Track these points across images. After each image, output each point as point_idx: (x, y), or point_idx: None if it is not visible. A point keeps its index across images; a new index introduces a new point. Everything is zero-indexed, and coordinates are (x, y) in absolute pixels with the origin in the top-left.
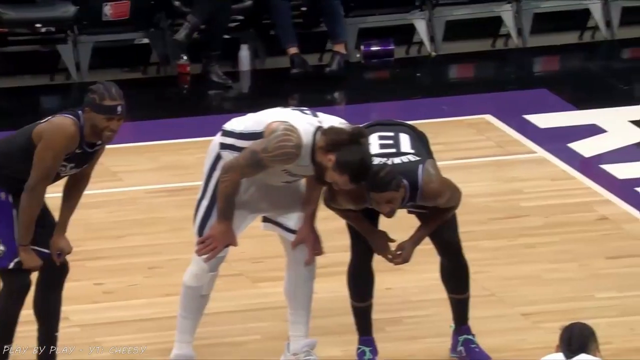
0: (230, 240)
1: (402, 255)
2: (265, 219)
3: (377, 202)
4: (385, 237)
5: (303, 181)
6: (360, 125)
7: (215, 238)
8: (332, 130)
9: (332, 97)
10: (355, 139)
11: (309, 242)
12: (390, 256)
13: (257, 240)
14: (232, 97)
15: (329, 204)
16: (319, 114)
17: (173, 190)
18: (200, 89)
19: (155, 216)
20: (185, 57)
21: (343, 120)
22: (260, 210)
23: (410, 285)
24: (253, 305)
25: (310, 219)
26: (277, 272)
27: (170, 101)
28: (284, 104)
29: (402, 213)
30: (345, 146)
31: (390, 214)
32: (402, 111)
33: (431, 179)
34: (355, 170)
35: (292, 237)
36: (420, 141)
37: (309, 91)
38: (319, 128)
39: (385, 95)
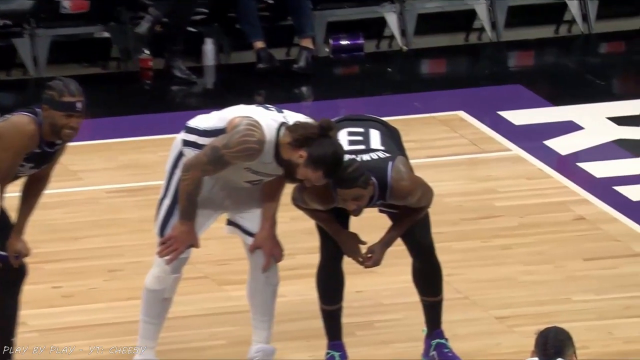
0: (192, 241)
1: (373, 258)
2: (229, 222)
3: (344, 199)
4: (355, 239)
5: None
6: (334, 119)
7: (176, 239)
8: (299, 125)
9: (299, 93)
10: (325, 132)
11: (266, 247)
12: (360, 259)
13: (223, 241)
14: (196, 93)
15: (297, 203)
16: (284, 110)
17: (134, 190)
18: (162, 84)
19: (116, 217)
20: (147, 52)
21: (308, 118)
22: (224, 209)
23: (381, 288)
24: (218, 309)
25: (268, 222)
26: (243, 275)
27: (132, 97)
28: (250, 100)
29: (372, 213)
30: (316, 140)
31: (357, 212)
32: (372, 107)
33: (401, 176)
34: (330, 164)
35: (250, 240)
36: (391, 137)
37: (276, 87)
38: (282, 124)
39: (355, 91)
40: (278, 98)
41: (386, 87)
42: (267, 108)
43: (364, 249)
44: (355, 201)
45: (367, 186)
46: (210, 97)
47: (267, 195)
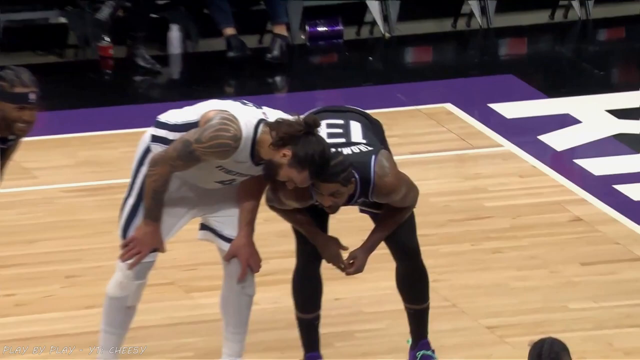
0: (157, 244)
1: (355, 264)
2: (203, 226)
3: (320, 192)
4: (336, 244)
5: None
6: (309, 112)
7: (139, 241)
8: (282, 122)
9: (273, 83)
10: (311, 130)
11: (243, 256)
12: (342, 265)
13: (190, 244)
14: (160, 84)
15: (271, 204)
16: (263, 107)
17: (94, 189)
18: (124, 74)
19: (74, 218)
20: (107, 39)
21: (289, 115)
22: (196, 210)
23: (362, 295)
24: (185, 318)
25: (245, 228)
26: (213, 281)
27: (91, 89)
28: (220, 91)
29: (353, 214)
30: (301, 139)
31: (332, 209)
32: (352, 99)
33: (385, 171)
34: (317, 164)
35: (227, 246)
36: (373, 130)
37: (248, 77)
38: (261, 121)
39: (333, 81)
40: (250, 89)
41: (367, 78)
42: (244, 103)
43: (345, 254)
44: (332, 197)
45: (347, 184)
46: (176, 88)
47: (246, 198)
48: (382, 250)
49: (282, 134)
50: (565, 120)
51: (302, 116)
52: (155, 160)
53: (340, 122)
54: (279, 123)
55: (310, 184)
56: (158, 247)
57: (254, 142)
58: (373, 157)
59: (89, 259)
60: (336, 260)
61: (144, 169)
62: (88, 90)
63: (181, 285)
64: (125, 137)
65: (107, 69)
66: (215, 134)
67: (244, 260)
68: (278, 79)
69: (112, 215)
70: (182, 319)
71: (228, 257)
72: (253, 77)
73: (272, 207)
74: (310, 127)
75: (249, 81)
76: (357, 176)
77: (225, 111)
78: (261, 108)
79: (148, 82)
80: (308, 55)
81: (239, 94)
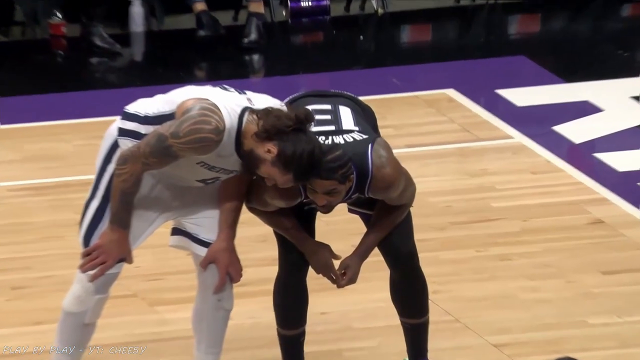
0: (124, 253)
1: (348, 274)
2: (176, 231)
3: (314, 190)
4: (327, 252)
5: None
6: (291, 97)
7: (104, 249)
8: (272, 113)
9: (250, 66)
10: (302, 126)
11: (222, 262)
12: (333, 276)
13: (156, 251)
14: (120, 67)
15: (251, 205)
16: (247, 92)
17: (44, 188)
18: (79, 56)
19: (22, 221)
20: (59, 16)
21: (278, 101)
22: (170, 212)
23: (351, 308)
24: (150, 335)
25: (226, 232)
26: (182, 293)
27: (40, 71)
28: (189, 75)
29: (340, 216)
30: (289, 135)
31: (326, 209)
32: (340, 84)
33: (383, 162)
34: (303, 167)
35: (203, 252)
36: (364, 116)
37: (221, 59)
38: (246, 109)
39: (319, 64)
40: (223, 73)
41: (357, 60)
42: (225, 89)
43: (336, 263)
44: (328, 196)
45: (345, 181)
46: (139, 71)
47: (227, 197)
48: (374, 257)
49: (269, 127)
50: (584, 108)
51: (293, 107)
52: (125, 157)
53: (328, 107)
54: (268, 113)
55: (292, 185)
56: (125, 257)
57: (239, 133)
58: (369, 146)
59: (39, 267)
60: (327, 271)
61: (110, 167)
62: (37, 74)
63: (145, 297)
64: (80, 128)
65: (59, 49)
66: (195, 127)
67: (223, 267)
68: (255, 61)
69: (66, 218)
70: (145, 336)
71: (205, 264)
72: (226, 59)
73: (251, 209)
74: (301, 122)
75: (221, 64)
76: (354, 170)
77: (205, 99)
78: (245, 93)
79: (106, 65)
80: (290, 34)
81: (210, 79)
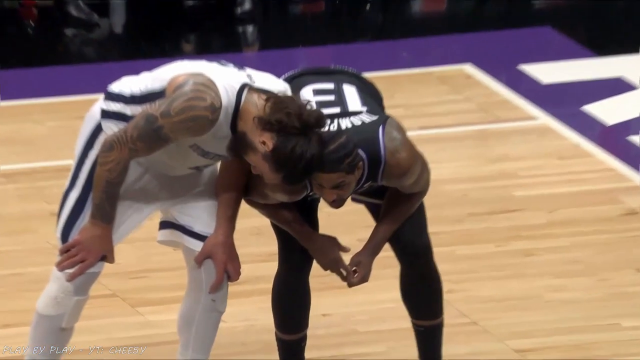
0: (106, 250)
1: (359, 272)
2: (165, 224)
3: (320, 184)
4: (335, 246)
5: None
6: (288, 75)
7: (84, 246)
8: (282, 103)
9: (243, 39)
10: (307, 132)
11: (219, 258)
12: (344, 273)
13: (139, 246)
14: (98, 40)
15: (249, 198)
16: (246, 68)
17: (13, 175)
18: (52, 27)
19: None
20: None
21: (282, 82)
22: (158, 203)
23: (355, 309)
24: (132, 339)
25: (225, 225)
26: (167, 292)
27: (9, 45)
28: (175, 49)
29: (343, 207)
30: (290, 135)
31: (337, 204)
32: (343, 59)
33: (396, 146)
34: (297, 172)
35: (198, 245)
36: (369, 94)
37: (211, 30)
38: (246, 86)
39: (319, 36)
40: (213, 46)
41: (362, 32)
42: (222, 64)
43: (345, 257)
44: (337, 190)
45: (354, 171)
46: (119, 45)
47: (225, 188)
48: (381, 253)
49: (274, 120)
50: (617, 86)
51: (303, 104)
52: (109, 143)
53: (331, 86)
54: (278, 102)
55: (278, 184)
56: (107, 255)
57: (237, 112)
58: (380, 128)
59: (7, 264)
60: (336, 266)
61: (92, 153)
62: (5, 47)
63: (126, 297)
64: (54, 107)
65: (30, 20)
66: (188, 104)
67: (221, 263)
68: (249, 33)
69: (37, 208)
70: (127, 340)
71: (201, 259)
72: (217, 30)
73: (250, 202)
74: (307, 127)
75: (212, 36)
76: (364, 156)
77: (199, 74)
78: (244, 69)
79: (82, 38)
80: (287, 3)
81: (199, 53)
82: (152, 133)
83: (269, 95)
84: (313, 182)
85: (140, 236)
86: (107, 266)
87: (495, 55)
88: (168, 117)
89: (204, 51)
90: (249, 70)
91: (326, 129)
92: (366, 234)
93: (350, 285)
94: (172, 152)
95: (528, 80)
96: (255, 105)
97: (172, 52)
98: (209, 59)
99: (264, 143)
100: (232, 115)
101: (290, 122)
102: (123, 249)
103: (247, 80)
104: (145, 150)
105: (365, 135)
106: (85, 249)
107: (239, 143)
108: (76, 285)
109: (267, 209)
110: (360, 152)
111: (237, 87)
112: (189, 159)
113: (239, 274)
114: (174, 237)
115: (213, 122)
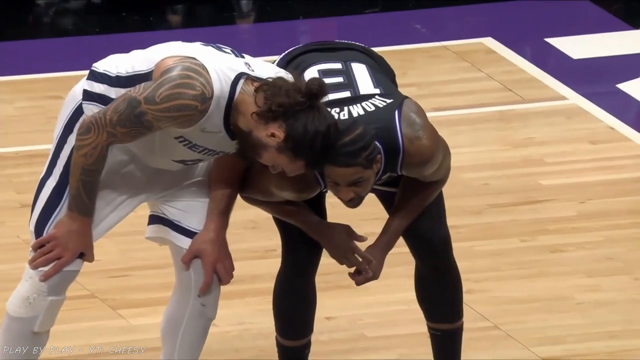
0: (85, 247)
1: (371, 268)
2: (154, 219)
3: (334, 181)
4: (348, 234)
5: None
6: (288, 52)
7: (61, 241)
8: (277, 86)
9: (237, 9)
10: (314, 102)
11: (208, 257)
12: (360, 259)
13: (121, 241)
14: (73, 10)
15: (246, 196)
16: (245, 55)
17: None
18: None
19: None
20: None
21: (284, 71)
22: (143, 195)
23: (363, 312)
24: (112, 344)
25: (216, 221)
26: (151, 293)
27: None
28: (160, 21)
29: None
30: (298, 114)
31: (354, 203)
32: (350, 32)
33: (416, 132)
34: (318, 151)
35: (186, 242)
36: (382, 71)
37: (200, 1)
38: (243, 75)
39: (321, 7)
40: (203, 18)
41: (371, 1)
42: (218, 48)
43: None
44: (353, 187)
45: (372, 165)
46: (97, 16)
47: (219, 180)
48: (392, 249)
49: (276, 107)
50: None
51: (301, 77)
52: (87, 125)
53: (339, 66)
54: (273, 87)
55: (304, 173)
56: (86, 252)
57: (230, 105)
58: (396, 113)
59: None
60: (350, 255)
61: (72, 138)
62: None
63: (106, 298)
64: (24, 86)
65: None
66: (175, 90)
67: (210, 263)
68: (244, 3)
69: (6, 199)
70: (106, 346)
71: (188, 258)
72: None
73: (247, 199)
74: (314, 97)
75: (201, 6)
76: (380, 147)
77: (191, 58)
78: (242, 57)
79: (57, 7)
80: None
81: (187, 25)
82: (134, 119)
83: (259, 84)
84: (327, 180)
85: (122, 230)
86: (85, 264)
87: (519, 28)
88: (152, 103)
89: (192, 23)
90: (247, 58)
91: (336, 117)
92: (374, 227)
93: (358, 283)
94: (155, 143)
95: (556, 56)
96: (254, 99)
97: (157, 24)
98: (197, 33)
99: (273, 135)
100: (225, 107)
101: (292, 99)
102: (103, 244)
103: (244, 69)
104: (126, 136)
105: (379, 124)
106: (62, 245)
107: (246, 146)
108: (51, 285)
109: (268, 204)
110: (376, 142)
111: (233, 76)
112: (175, 152)
113: (231, 275)
114: (161, 232)
115: (202, 114)
